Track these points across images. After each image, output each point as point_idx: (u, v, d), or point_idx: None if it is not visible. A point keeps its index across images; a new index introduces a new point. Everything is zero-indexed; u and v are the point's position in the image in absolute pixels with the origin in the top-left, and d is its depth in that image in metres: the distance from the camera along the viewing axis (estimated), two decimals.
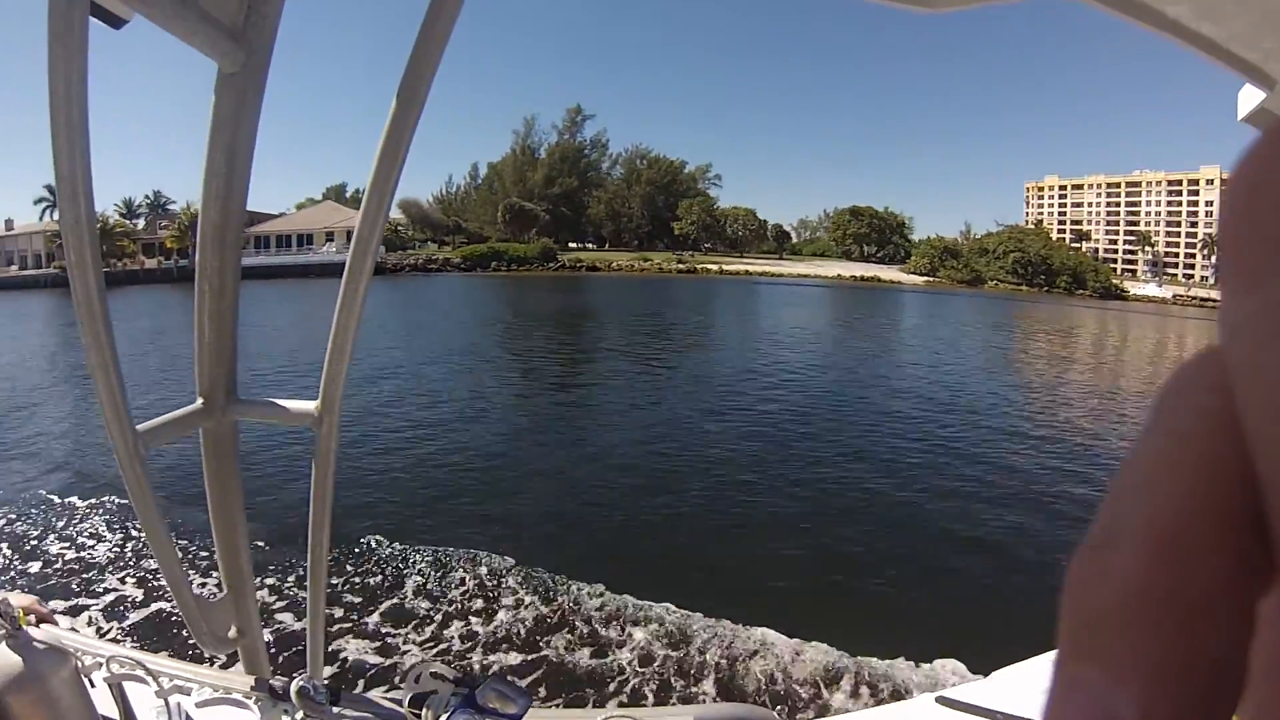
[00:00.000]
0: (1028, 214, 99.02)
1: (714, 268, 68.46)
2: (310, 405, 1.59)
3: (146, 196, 71.36)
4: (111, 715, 1.97)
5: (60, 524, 7.98)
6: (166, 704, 1.85)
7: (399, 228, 65.69)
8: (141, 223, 71.25)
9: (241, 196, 1.45)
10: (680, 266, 68.36)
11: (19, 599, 1.79)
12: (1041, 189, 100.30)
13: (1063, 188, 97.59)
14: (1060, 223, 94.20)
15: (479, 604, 6.07)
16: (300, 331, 24.23)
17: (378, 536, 7.15)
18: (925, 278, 72.57)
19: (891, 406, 14.67)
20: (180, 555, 1.70)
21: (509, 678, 1.35)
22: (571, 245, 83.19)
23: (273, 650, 2.13)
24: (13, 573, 6.88)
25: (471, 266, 63.39)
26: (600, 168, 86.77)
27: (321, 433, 1.60)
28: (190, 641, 5.44)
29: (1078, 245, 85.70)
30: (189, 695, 1.85)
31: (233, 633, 1.94)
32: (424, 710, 1.29)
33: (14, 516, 8.26)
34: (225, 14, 1.24)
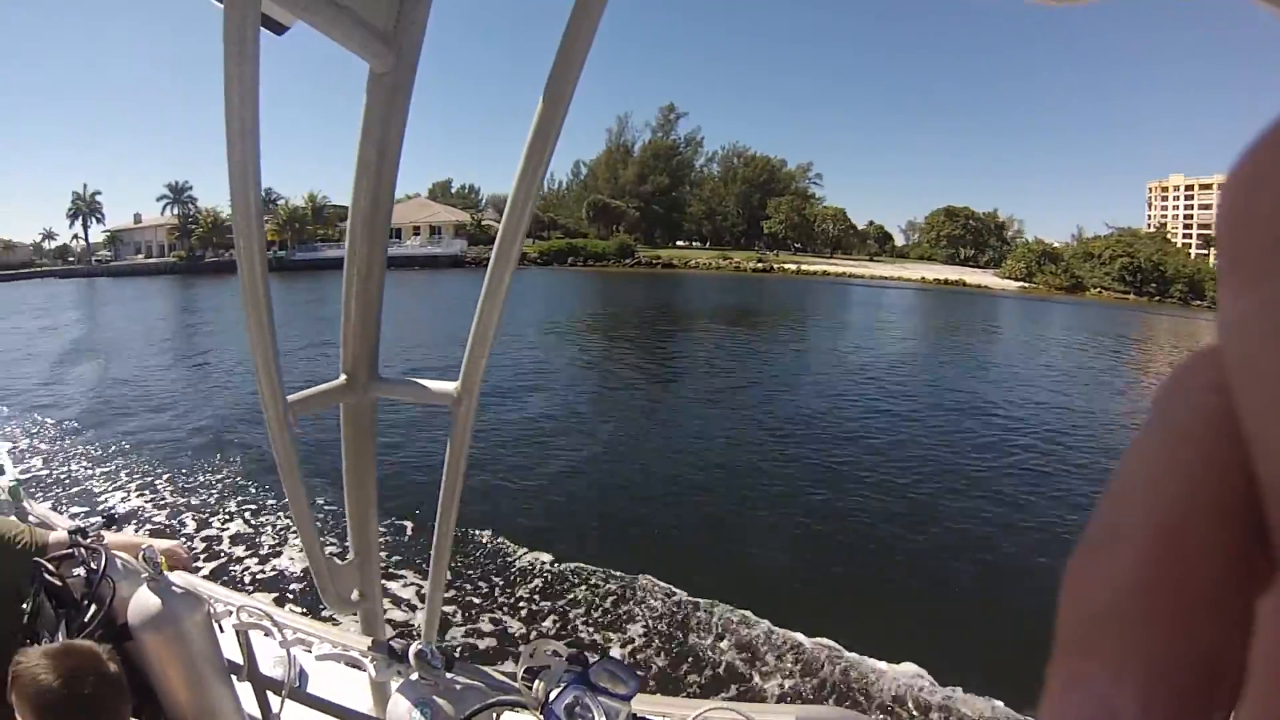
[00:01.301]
0: (1149, 217, 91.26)
1: (791, 268, 66.78)
2: (450, 386, 1.65)
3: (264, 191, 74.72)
4: (236, 659, 2.10)
5: (201, 484, 8.87)
6: (288, 654, 1.94)
7: (482, 223, 67.22)
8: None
9: (390, 188, 1.54)
10: (758, 266, 67.01)
11: (162, 545, 1.91)
12: (1165, 189, 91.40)
13: (1189, 188, 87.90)
14: (1186, 226, 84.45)
15: (576, 593, 6.20)
16: (393, 319, 25.28)
17: (483, 525, 7.36)
18: (1019, 283, 67.77)
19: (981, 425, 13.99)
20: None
21: (620, 659, 1.35)
22: (678, 244, 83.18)
23: (387, 616, 2.22)
24: (157, 524, 7.60)
25: (549, 261, 64.18)
26: (695, 166, 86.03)
27: (459, 413, 1.66)
28: (312, 600, 5.84)
29: (1206, 251, 76.11)
30: (309, 649, 1.95)
31: (355, 596, 2.03)
32: (536, 682, 1.31)
33: (159, 473, 9.26)
34: (378, 19, 1.32)
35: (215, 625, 1.97)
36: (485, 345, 1.58)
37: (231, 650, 2.10)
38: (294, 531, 7.12)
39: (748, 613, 5.70)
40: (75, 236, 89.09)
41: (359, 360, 1.75)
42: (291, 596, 6.06)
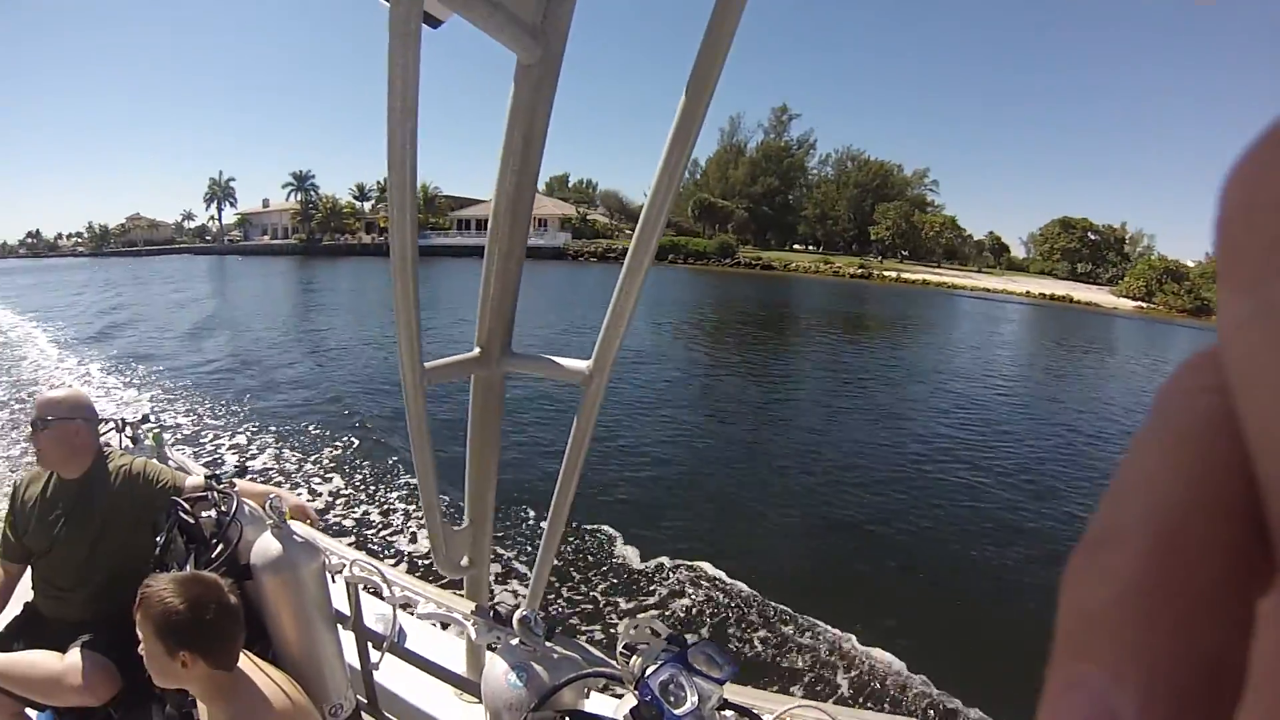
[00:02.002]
0: None
1: (891, 275, 64.20)
2: (583, 364, 1.69)
3: (378, 181, 78.66)
4: (343, 610, 2.20)
5: (319, 446, 9.63)
6: (392, 610, 2.03)
7: (588, 217, 68.20)
8: (369, 204, 79.91)
9: (534, 173, 1.61)
10: (856, 271, 64.88)
11: (289, 498, 2.03)
12: None
13: None
14: None
15: (669, 583, 6.25)
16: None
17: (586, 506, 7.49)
18: (1136, 302, 61.98)
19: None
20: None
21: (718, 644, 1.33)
22: (794, 247, 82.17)
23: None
24: (279, 480, 8.22)
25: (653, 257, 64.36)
26: (807, 168, 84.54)
27: (589, 390, 1.69)
28: (418, 562, 6.23)
29: None
30: (413, 608, 2.02)
31: (465, 562, 2.10)
32: (633, 658, 1.31)
33: (283, 434, 10.15)
34: (526, 12, 1.39)
35: (328, 576, 2.07)
36: (620, 325, 1.61)
37: (340, 601, 2.20)
38: (408, 497, 7.73)
39: (835, 629, 5.60)
40: (211, 218, 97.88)
41: (494, 334, 1.81)
42: (397, 557, 6.40)
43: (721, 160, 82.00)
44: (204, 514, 2.19)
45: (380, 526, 7.12)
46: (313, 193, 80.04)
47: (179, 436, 9.91)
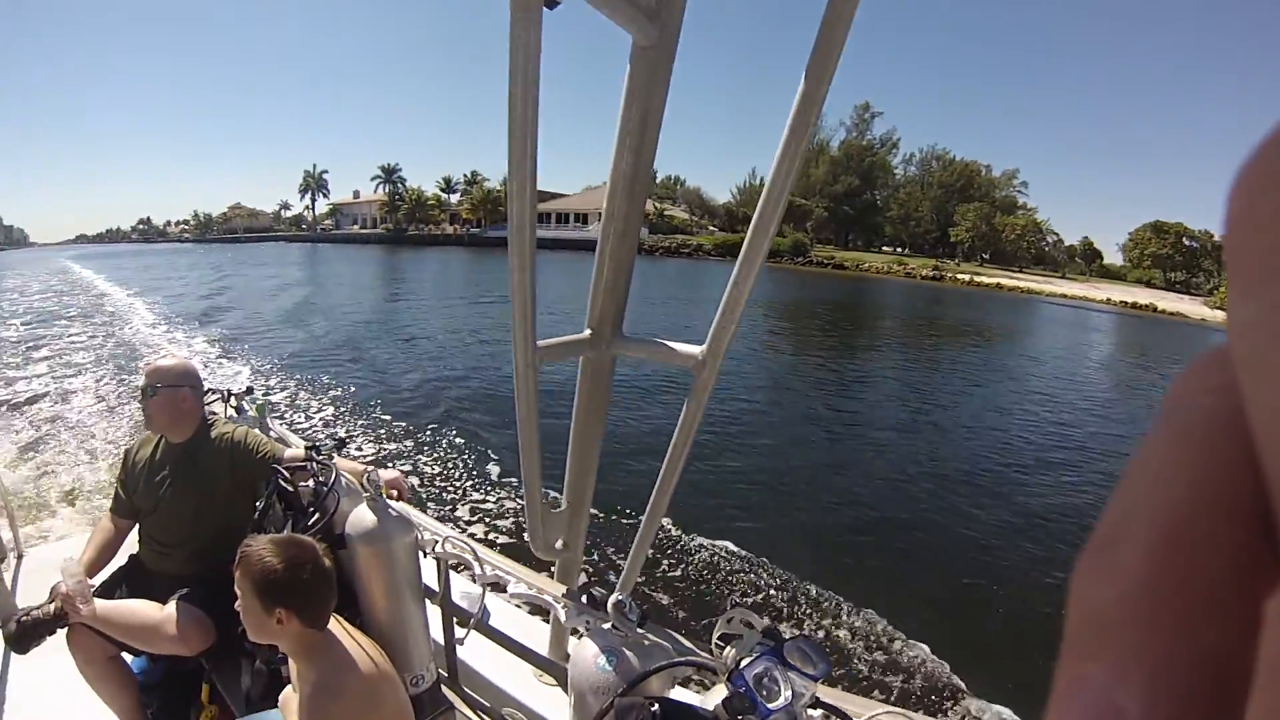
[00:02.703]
0: None
1: (965, 277, 61.31)
2: (696, 349, 1.69)
3: (464, 175, 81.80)
4: (432, 585, 2.23)
5: (412, 425, 10.02)
6: (482, 589, 2.06)
7: (665, 213, 68.19)
8: (456, 196, 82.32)
9: (650, 155, 1.61)
10: (929, 273, 62.42)
11: (385, 474, 2.08)
12: None
13: None
14: None
15: (759, 581, 6.20)
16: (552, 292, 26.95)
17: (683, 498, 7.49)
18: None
19: None
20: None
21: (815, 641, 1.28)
22: (883, 248, 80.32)
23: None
24: (375, 455, 8.68)
25: (722, 253, 63.35)
26: (891, 168, 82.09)
27: (701, 376, 1.69)
28: (505, 542, 6.37)
29: None
30: (502, 588, 2.04)
31: (560, 544, 2.11)
32: (727, 649, 1.29)
33: (376, 413, 10.62)
34: None
35: (420, 551, 2.11)
36: (735, 311, 1.60)
37: (429, 577, 2.24)
38: (494, 480, 7.94)
39: (921, 644, 5.43)
40: (306, 208, 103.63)
41: (605, 316, 1.81)
42: (485, 538, 6.52)
43: (803, 159, 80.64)
44: (303, 484, 2.26)
45: (467, 508, 7.32)
46: (400, 185, 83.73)
47: (277, 411, 10.39)
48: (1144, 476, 0.15)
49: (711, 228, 74.82)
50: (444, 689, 2.23)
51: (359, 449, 8.88)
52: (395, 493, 2.21)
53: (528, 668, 2.45)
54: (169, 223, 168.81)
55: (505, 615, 2.42)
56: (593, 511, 2.17)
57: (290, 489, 2.27)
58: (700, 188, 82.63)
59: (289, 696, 1.74)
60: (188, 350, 15.86)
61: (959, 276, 61.74)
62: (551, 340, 1.70)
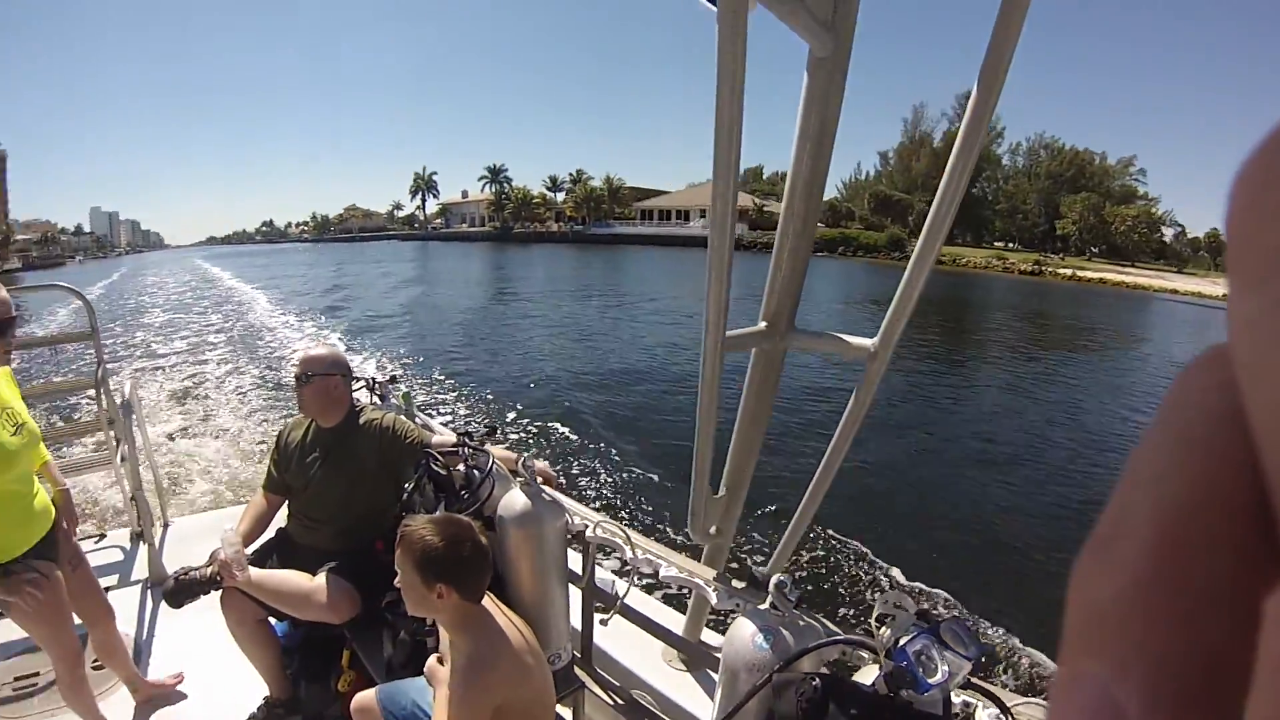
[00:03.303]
0: None
1: (1066, 272, 56.12)
2: (868, 342, 1.73)
3: (569, 174, 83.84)
4: (576, 570, 2.33)
5: (540, 416, 10.44)
6: (630, 572, 2.13)
7: (764, 209, 66.95)
8: (561, 195, 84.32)
9: (827, 157, 1.68)
10: (1027, 268, 57.60)
11: (539, 463, 2.19)
12: None
13: None
14: None
15: (903, 565, 6.25)
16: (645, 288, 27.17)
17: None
18: None
19: None
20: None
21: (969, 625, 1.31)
22: (996, 244, 75.17)
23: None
24: (536, 445, 9.11)
25: (820, 249, 62.43)
26: (998, 158, 76.84)
27: (872, 367, 1.74)
28: (651, 524, 6.59)
29: None
30: (656, 570, 2.09)
31: (714, 530, 2.15)
32: (883, 629, 1.32)
33: (513, 402, 11.16)
34: (820, 7, 1.49)
35: (569, 535, 2.19)
36: (908, 305, 1.64)
37: (575, 561, 2.33)
38: (631, 473, 8.15)
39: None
40: (417, 208, 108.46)
41: (781, 310, 1.88)
42: (626, 520, 6.70)
43: (904, 152, 77.22)
44: (455, 468, 2.38)
45: (614, 492, 7.63)
46: (505, 185, 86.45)
47: (420, 400, 10.99)
48: (1144, 474, 0.15)
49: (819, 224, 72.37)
50: (577, 669, 2.32)
51: (504, 438, 9.26)
52: (546, 480, 2.28)
53: (656, 652, 2.51)
54: (290, 224, 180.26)
55: (642, 599, 2.48)
56: (757, 491, 2.20)
57: (443, 472, 2.40)
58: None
59: (435, 666, 1.86)
60: (326, 340, 17.09)
61: (1059, 271, 57.09)
62: (735, 331, 1.77)
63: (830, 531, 6.67)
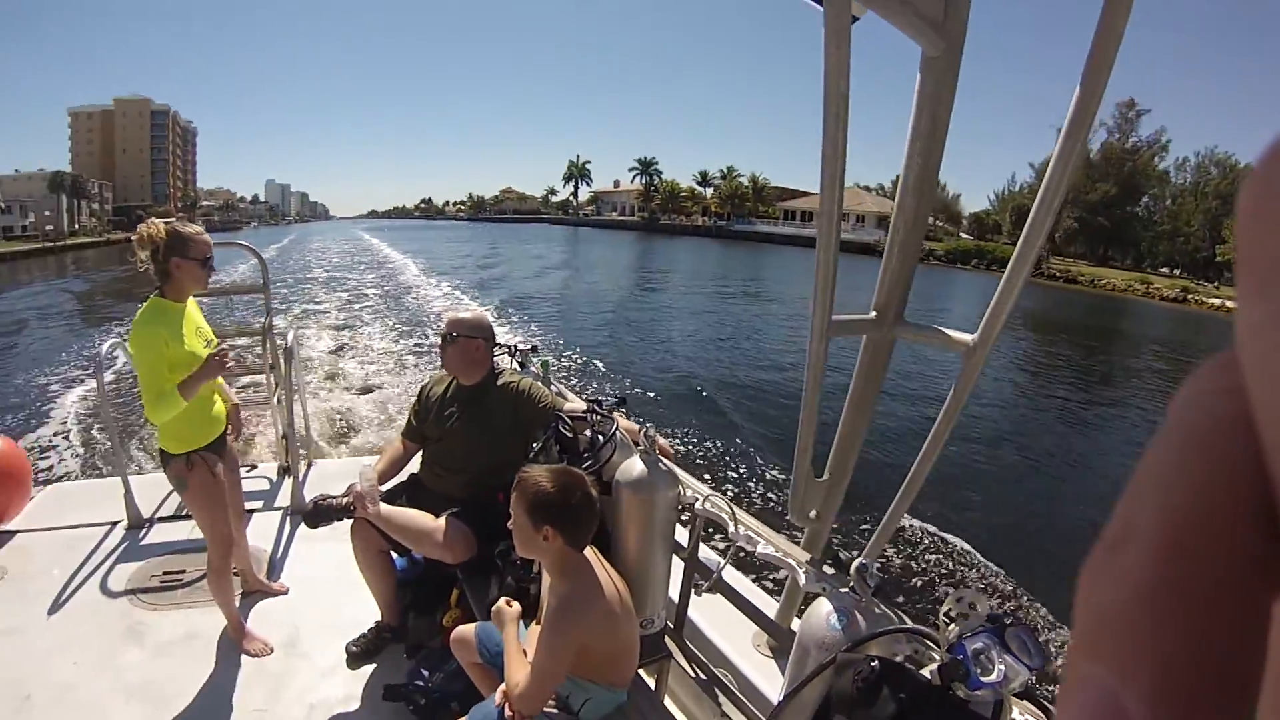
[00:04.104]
0: None
1: (1215, 302, 47.57)
2: (969, 337, 1.77)
3: (719, 170, 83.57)
4: (681, 540, 2.40)
5: (669, 395, 10.99)
6: (731, 547, 2.19)
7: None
8: (710, 190, 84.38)
9: (937, 158, 1.73)
10: (1173, 294, 50.91)
11: (660, 438, 2.32)
12: None
13: None
14: None
15: (984, 572, 6.14)
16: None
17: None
18: None
19: None
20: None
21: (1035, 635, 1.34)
22: (1162, 269, 66.48)
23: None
24: (658, 421, 9.43)
25: (954, 260, 59.73)
26: (1160, 174, 66.91)
27: (970, 362, 1.78)
28: (756, 505, 6.78)
29: None
30: (753, 548, 2.15)
31: (814, 514, 2.21)
32: (950, 625, 1.32)
33: (648, 385, 11.59)
34: (930, 9, 1.52)
35: (679, 505, 2.26)
36: (1005, 305, 1.67)
37: (680, 535, 2.41)
38: (757, 450, 8.38)
39: None
40: (570, 194, 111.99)
41: (891, 300, 1.93)
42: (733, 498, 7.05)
43: (1077, 162, 69.32)
44: (583, 433, 2.52)
45: (715, 473, 7.80)
46: (655, 177, 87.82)
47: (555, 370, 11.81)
48: (1152, 478, 0.15)
49: (963, 235, 68.71)
50: (667, 639, 2.38)
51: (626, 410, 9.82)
52: (661, 452, 2.34)
53: (746, 634, 2.57)
54: (447, 202, 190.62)
55: (737, 580, 2.54)
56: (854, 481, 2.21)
57: (570, 435, 2.53)
58: (959, 194, 76.62)
59: (502, 607, 1.99)
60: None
61: (1208, 301, 49.24)
62: (843, 316, 1.83)
63: (927, 525, 6.61)
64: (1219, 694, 0.13)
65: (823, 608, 1.65)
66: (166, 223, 2.65)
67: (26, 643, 2.96)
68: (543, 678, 1.77)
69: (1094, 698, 0.15)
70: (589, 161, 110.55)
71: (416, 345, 13.83)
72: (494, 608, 1.99)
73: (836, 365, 2.01)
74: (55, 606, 3.20)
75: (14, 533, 3.76)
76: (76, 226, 73.40)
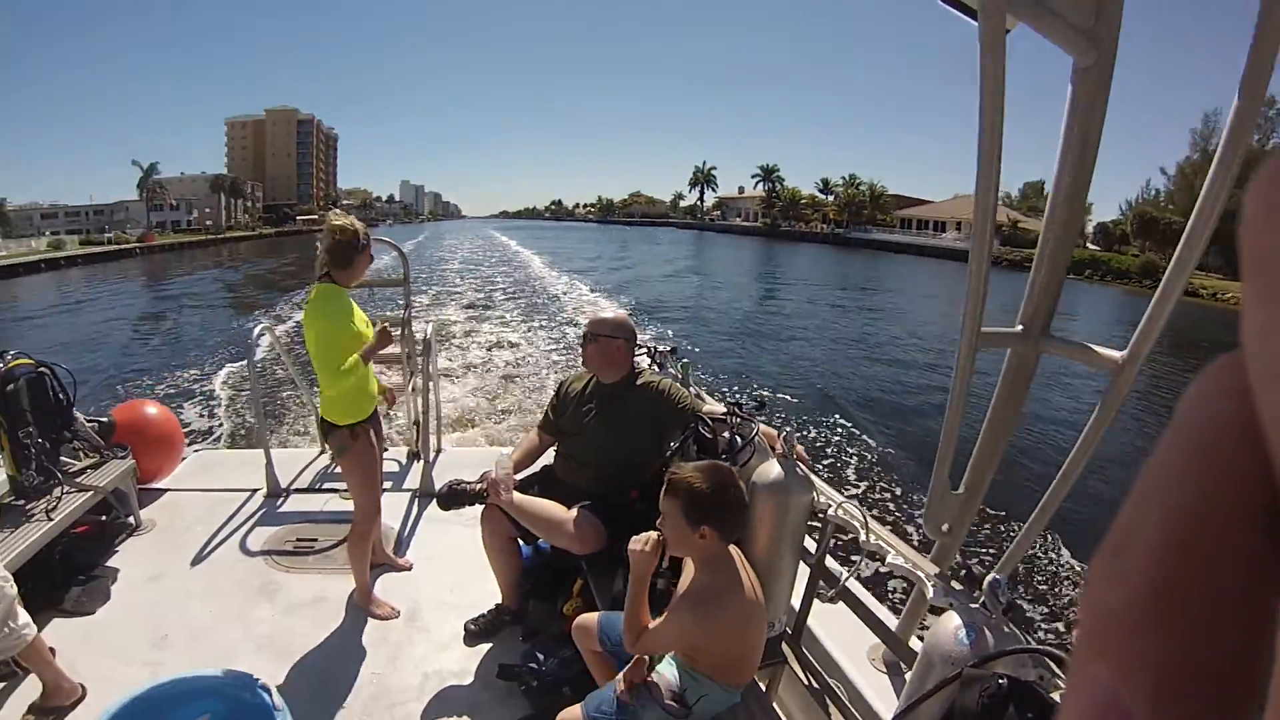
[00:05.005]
0: None
1: None
2: (1117, 354, 1.72)
3: (843, 177, 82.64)
4: (809, 546, 2.37)
5: (802, 405, 10.90)
6: (861, 556, 2.15)
7: (1019, 225, 58.94)
8: (831, 198, 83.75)
9: (1089, 169, 1.71)
10: None
11: (794, 441, 2.21)
12: None
13: None
14: None
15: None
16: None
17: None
18: None
19: None
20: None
21: None
22: None
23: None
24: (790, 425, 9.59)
25: (1066, 271, 54.24)
26: None
27: (1118, 380, 1.72)
28: (879, 516, 6.53)
29: None
30: (883, 557, 2.10)
31: (946, 527, 2.15)
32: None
33: (798, 394, 11.62)
34: (1081, 19, 1.52)
35: (812, 511, 2.23)
36: (1158, 322, 1.62)
37: (808, 541, 2.36)
38: (884, 461, 8.30)
39: None
40: (697, 199, 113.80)
41: (1038, 313, 1.89)
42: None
43: (1189, 168, 62.80)
44: (721, 434, 2.50)
45: (844, 481, 7.74)
46: (777, 184, 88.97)
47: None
48: (1157, 480, 0.15)
49: (1090, 245, 62.53)
50: (784, 644, 2.35)
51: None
52: (798, 458, 2.33)
53: (863, 648, 2.50)
54: (577, 205, 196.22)
55: (860, 592, 2.50)
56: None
57: (709, 436, 2.54)
58: (1091, 204, 70.01)
59: (644, 550, 1.91)
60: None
61: None
62: (991, 328, 1.81)
63: (1061, 544, 6.18)
64: (1221, 696, 0.13)
65: (951, 622, 1.61)
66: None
67: (169, 589, 3.24)
68: (656, 640, 1.84)
69: (1096, 699, 0.15)
70: (714, 167, 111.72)
71: (543, 341, 14.28)
72: (633, 546, 1.94)
73: (978, 375, 1.95)
74: (197, 559, 3.49)
75: (164, 490, 4.16)
76: (233, 221, 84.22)
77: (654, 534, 1.92)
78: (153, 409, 4.36)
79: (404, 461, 4.66)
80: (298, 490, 4.21)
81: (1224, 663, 0.14)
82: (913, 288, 31.60)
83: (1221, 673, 0.14)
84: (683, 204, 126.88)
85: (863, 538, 2.14)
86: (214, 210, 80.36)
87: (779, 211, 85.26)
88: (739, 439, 2.40)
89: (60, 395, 3.38)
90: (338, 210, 2.93)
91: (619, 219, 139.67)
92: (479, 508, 2.74)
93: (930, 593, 1.89)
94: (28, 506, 3.08)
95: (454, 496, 2.63)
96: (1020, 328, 1.89)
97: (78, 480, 3.35)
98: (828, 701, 2.23)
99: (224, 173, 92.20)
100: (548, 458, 3.06)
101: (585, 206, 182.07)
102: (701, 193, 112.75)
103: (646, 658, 1.93)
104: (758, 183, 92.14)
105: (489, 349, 13.37)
